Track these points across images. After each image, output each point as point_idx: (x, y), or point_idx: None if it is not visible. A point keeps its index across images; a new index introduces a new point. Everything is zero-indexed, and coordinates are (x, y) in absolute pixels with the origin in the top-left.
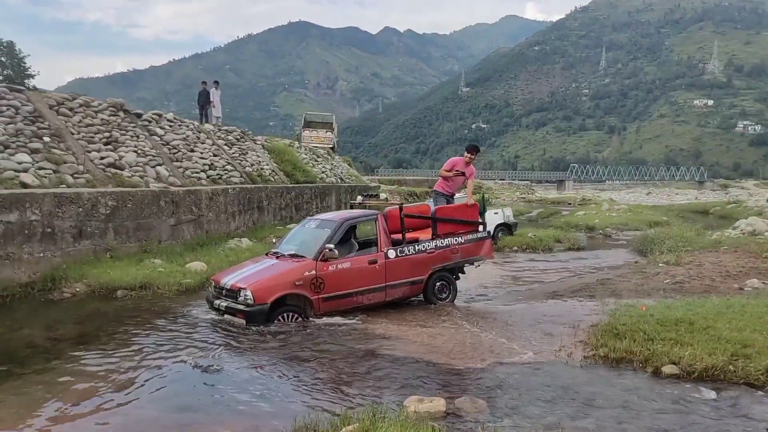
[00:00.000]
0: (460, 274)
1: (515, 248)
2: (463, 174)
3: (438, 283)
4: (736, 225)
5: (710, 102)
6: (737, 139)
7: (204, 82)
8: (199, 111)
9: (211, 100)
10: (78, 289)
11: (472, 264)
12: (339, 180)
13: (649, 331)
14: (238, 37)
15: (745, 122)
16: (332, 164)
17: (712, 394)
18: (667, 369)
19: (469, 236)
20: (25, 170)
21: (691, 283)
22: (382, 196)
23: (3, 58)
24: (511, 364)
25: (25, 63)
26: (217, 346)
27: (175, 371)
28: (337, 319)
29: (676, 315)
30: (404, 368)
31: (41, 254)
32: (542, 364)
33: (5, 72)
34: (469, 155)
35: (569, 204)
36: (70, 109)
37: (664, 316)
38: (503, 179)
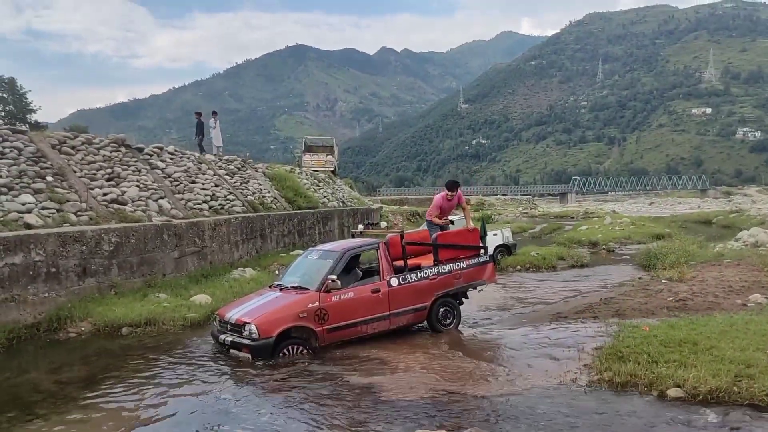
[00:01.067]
0: (463, 299)
1: (518, 267)
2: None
3: (441, 309)
4: (739, 236)
5: (708, 110)
6: (738, 145)
7: (197, 113)
8: (197, 142)
9: (212, 128)
10: (83, 328)
11: (475, 288)
12: (341, 203)
13: (653, 353)
14: (236, 63)
15: (744, 129)
16: (333, 188)
17: (717, 417)
18: (672, 392)
19: (471, 261)
20: (29, 211)
21: (694, 300)
22: (383, 224)
23: (5, 95)
24: (516, 392)
25: (26, 98)
26: (224, 385)
27: (183, 412)
28: (341, 351)
29: (680, 335)
30: (410, 400)
31: (46, 294)
32: (547, 391)
33: (7, 108)
34: (449, 193)
35: (572, 218)
36: (72, 147)
37: (667, 337)
38: (505, 194)
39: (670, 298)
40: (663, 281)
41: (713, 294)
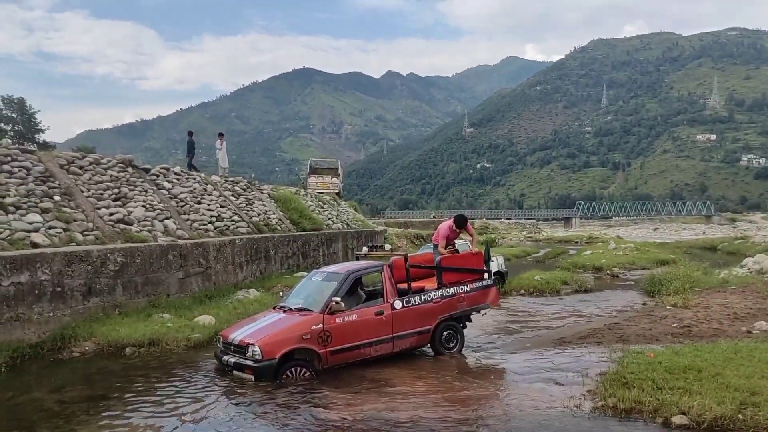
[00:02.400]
0: (466, 323)
1: (522, 291)
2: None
3: (445, 333)
4: (744, 263)
5: (713, 137)
6: (742, 172)
7: (189, 132)
8: (188, 161)
9: (218, 149)
10: (87, 348)
11: (479, 312)
12: (345, 226)
13: (658, 380)
14: (243, 85)
15: (749, 156)
16: (338, 210)
17: None
18: (677, 419)
19: (475, 284)
20: (36, 230)
21: (699, 326)
22: (387, 247)
23: (14, 115)
24: (519, 417)
25: (35, 118)
26: (226, 408)
27: None
28: (342, 373)
29: (685, 362)
30: (414, 427)
31: (51, 314)
32: (551, 417)
33: (16, 128)
34: (457, 229)
35: (576, 242)
36: (81, 168)
37: (672, 364)
38: (509, 218)
39: (675, 325)
40: (668, 307)
41: (718, 321)
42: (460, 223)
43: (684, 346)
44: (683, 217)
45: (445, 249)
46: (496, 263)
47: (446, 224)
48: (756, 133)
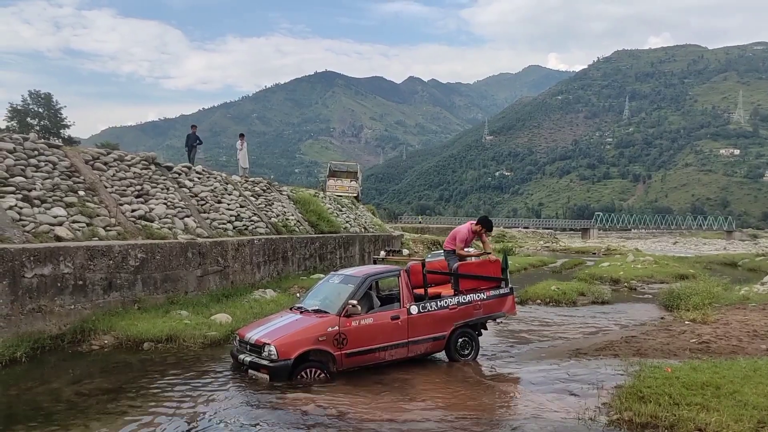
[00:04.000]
0: (482, 330)
1: (538, 301)
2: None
3: (460, 340)
4: (765, 280)
5: (736, 151)
6: (765, 188)
7: (193, 126)
8: (187, 153)
9: (239, 150)
10: (106, 341)
11: (495, 320)
12: (363, 229)
13: (675, 395)
14: (265, 86)
15: None
16: (356, 213)
17: None
18: None
19: (492, 292)
20: (60, 224)
21: (717, 343)
22: (405, 252)
23: (41, 110)
24: (533, 429)
25: (61, 114)
26: (240, 407)
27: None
28: (357, 376)
29: (703, 378)
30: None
31: (72, 306)
32: (565, 429)
33: (42, 122)
34: (481, 229)
35: (594, 253)
36: (105, 163)
37: (690, 379)
38: (527, 227)
39: (693, 340)
40: (686, 322)
41: (737, 338)
42: (488, 225)
43: (702, 362)
44: (703, 231)
45: (464, 251)
46: None
47: (465, 227)
48: None
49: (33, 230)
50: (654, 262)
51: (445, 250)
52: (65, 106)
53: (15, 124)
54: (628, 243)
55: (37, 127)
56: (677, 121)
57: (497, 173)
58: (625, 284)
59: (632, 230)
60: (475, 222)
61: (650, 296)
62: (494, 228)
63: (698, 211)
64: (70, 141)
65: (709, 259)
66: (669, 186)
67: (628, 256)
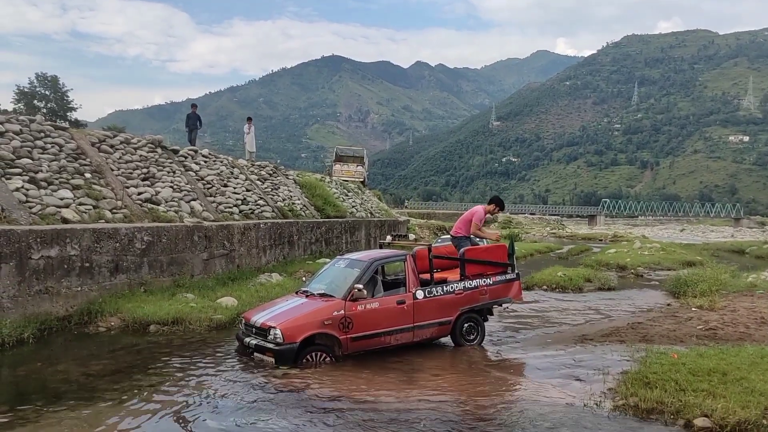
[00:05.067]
0: (488, 316)
1: (544, 287)
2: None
3: (466, 325)
4: None
5: (746, 138)
6: None
7: (194, 105)
8: (187, 134)
9: (246, 134)
10: (112, 323)
11: (501, 305)
12: (369, 214)
13: (681, 381)
14: (272, 70)
15: None
16: (362, 198)
17: None
18: (699, 422)
19: (498, 277)
20: (67, 206)
21: (724, 329)
22: (411, 236)
23: (47, 92)
24: (538, 413)
25: (68, 96)
26: (245, 389)
27: (205, 412)
28: (362, 360)
29: (709, 364)
30: (431, 418)
31: (79, 288)
32: (570, 414)
33: (49, 105)
34: (497, 209)
35: (600, 240)
36: (111, 146)
37: (696, 366)
38: (533, 213)
39: (700, 327)
40: (693, 309)
41: (744, 325)
42: (501, 204)
43: (709, 348)
44: (711, 219)
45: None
46: None
47: (481, 207)
48: None
49: (39, 212)
50: (661, 249)
51: (454, 237)
52: (72, 89)
53: (22, 107)
54: (635, 230)
55: (44, 110)
56: (686, 108)
57: (504, 159)
58: (632, 271)
59: (639, 217)
60: (487, 203)
61: (657, 283)
62: (501, 214)
63: (706, 199)
64: (77, 124)
65: (716, 246)
66: (677, 173)
67: (634, 243)
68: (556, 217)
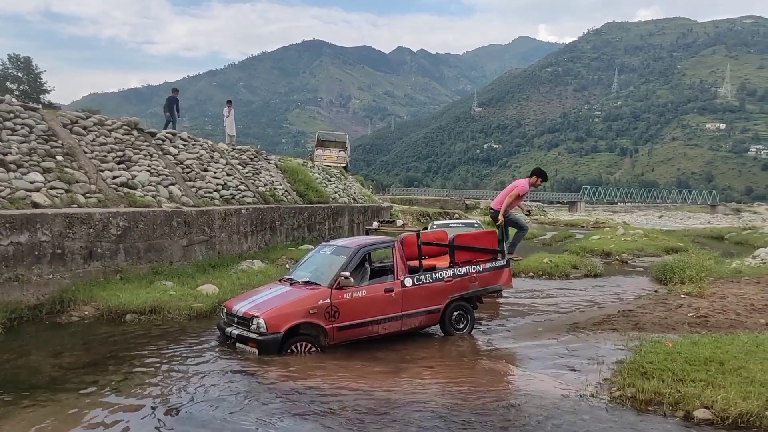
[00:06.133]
0: (477, 304)
1: (531, 274)
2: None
3: (455, 313)
4: (756, 254)
5: (722, 126)
6: (750, 163)
7: (174, 90)
8: (166, 118)
9: (225, 117)
10: (86, 313)
11: (491, 293)
12: (352, 200)
13: (678, 371)
14: (252, 54)
15: (757, 146)
16: (345, 184)
17: None
18: (700, 413)
19: (488, 264)
20: (37, 190)
21: (716, 317)
22: (399, 222)
23: (20, 74)
24: (533, 407)
25: (41, 78)
26: (227, 382)
27: (183, 406)
28: (348, 351)
29: (705, 353)
30: (421, 410)
31: (50, 276)
32: (567, 406)
33: (22, 87)
34: (540, 181)
35: (583, 227)
36: (84, 128)
37: (692, 355)
38: None
39: (691, 314)
40: (682, 296)
41: (735, 312)
42: (544, 175)
43: (702, 336)
44: (688, 205)
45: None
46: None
47: (525, 181)
48: (766, 124)
49: (8, 196)
50: (644, 236)
51: (492, 210)
52: (45, 71)
53: None
54: (615, 216)
55: (17, 92)
56: (665, 95)
57: (486, 146)
58: (617, 257)
59: (618, 204)
60: (529, 175)
61: (642, 269)
62: (483, 200)
63: (683, 185)
64: (51, 106)
65: (696, 232)
66: (655, 160)
67: (618, 230)
68: (537, 203)
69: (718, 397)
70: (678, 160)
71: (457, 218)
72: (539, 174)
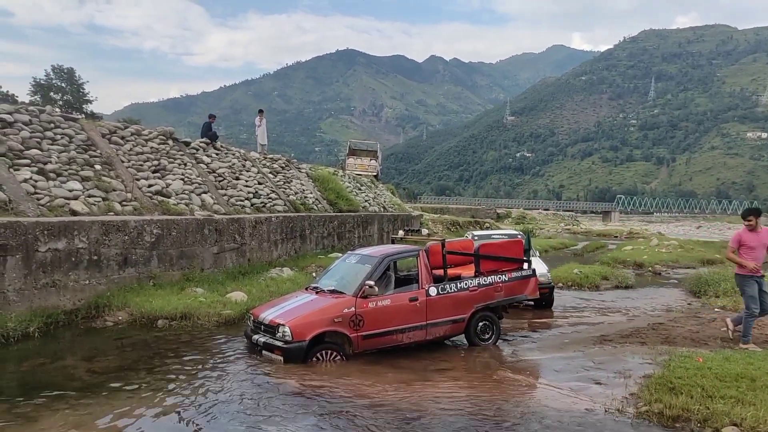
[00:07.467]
0: (503, 314)
1: (560, 285)
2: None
3: (480, 323)
4: None
5: (764, 134)
6: None
7: (211, 116)
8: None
9: (257, 126)
10: (120, 318)
11: (517, 303)
12: (382, 209)
13: (708, 387)
14: (286, 64)
15: None
16: (375, 192)
17: None
18: (728, 431)
19: (514, 274)
20: (76, 198)
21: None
22: (424, 231)
23: (63, 84)
24: (557, 421)
25: (84, 89)
26: (252, 389)
27: (213, 413)
28: (373, 359)
29: (737, 369)
30: (447, 424)
31: (86, 282)
32: (590, 421)
33: (65, 97)
34: (753, 218)
35: (616, 237)
36: (122, 138)
37: (723, 370)
38: (547, 209)
39: (724, 329)
40: (716, 309)
41: None
42: (755, 211)
43: (735, 351)
44: (728, 216)
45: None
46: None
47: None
48: None
49: (48, 204)
50: (679, 247)
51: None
52: (88, 81)
53: (38, 99)
54: (650, 227)
55: (60, 102)
56: (704, 103)
57: (518, 154)
58: (649, 269)
59: (654, 214)
60: (741, 216)
61: (676, 281)
62: (514, 210)
63: (723, 196)
64: (93, 116)
65: None
66: (693, 169)
67: (651, 240)
68: (570, 212)
69: (747, 414)
70: (717, 169)
71: (487, 227)
72: (749, 214)
